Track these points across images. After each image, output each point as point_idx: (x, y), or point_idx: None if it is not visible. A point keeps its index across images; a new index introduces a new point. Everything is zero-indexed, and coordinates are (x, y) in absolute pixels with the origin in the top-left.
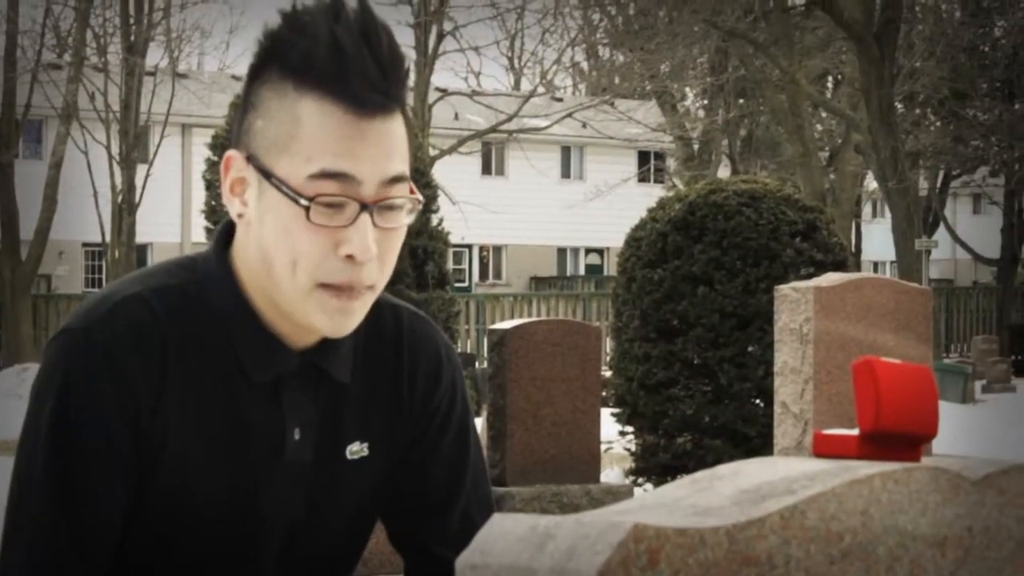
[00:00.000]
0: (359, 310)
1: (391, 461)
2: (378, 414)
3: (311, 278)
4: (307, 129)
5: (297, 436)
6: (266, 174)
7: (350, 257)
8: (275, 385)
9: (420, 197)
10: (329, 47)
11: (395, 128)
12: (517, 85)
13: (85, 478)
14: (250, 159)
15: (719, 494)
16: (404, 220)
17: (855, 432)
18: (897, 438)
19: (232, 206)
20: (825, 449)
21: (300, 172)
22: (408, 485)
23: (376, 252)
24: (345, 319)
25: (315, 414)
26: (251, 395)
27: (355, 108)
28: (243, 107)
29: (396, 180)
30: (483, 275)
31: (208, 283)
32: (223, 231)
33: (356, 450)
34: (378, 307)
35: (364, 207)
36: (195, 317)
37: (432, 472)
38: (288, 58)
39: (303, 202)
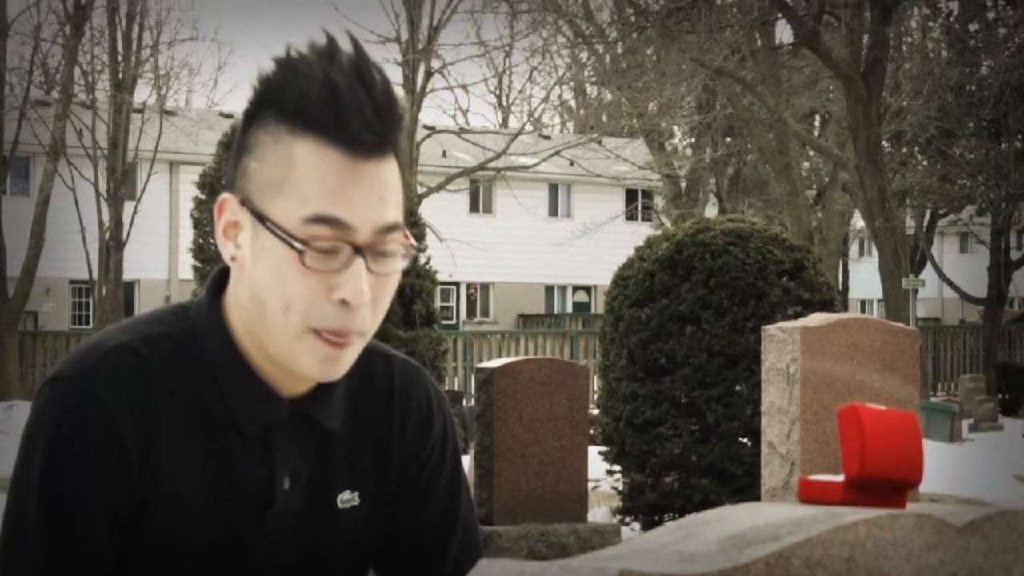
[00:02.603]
0: (349, 357)
1: (381, 510)
2: (368, 463)
3: (303, 322)
4: (302, 171)
5: (287, 485)
6: (260, 217)
7: (344, 302)
8: (265, 434)
9: (415, 243)
10: (324, 88)
11: (390, 171)
12: (505, 123)
13: (76, 529)
14: (244, 202)
15: (705, 540)
16: (398, 266)
17: (840, 478)
18: (882, 484)
19: (225, 249)
20: (811, 495)
21: (294, 215)
22: (399, 534)
23: (369, 296)
24: (335, 365)
25: (305, 463)
26: (241, 444)
27: (350, 150)
28: (237, 151)
29: (391, 228)
30: (471, 313)
31: (200, 331)
32: (216, 278)
33: (347, 499)
34: (370, 355)
35: (358, 251)
36: (186, 365)
37: (423, 521)
38: (283, 102)
39: (297, 246)
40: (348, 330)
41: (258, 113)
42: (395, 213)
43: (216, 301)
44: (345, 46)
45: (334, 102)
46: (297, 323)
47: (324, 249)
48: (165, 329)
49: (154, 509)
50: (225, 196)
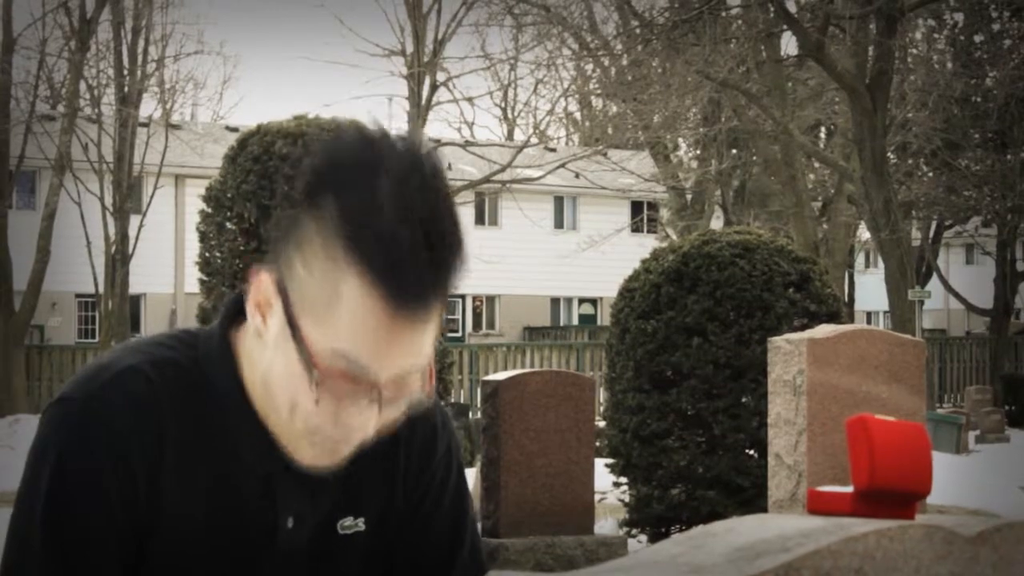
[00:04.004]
0: (349, 452)
1: (387, 533)
2: (373, 488)
3: (306, 429)
4: (345, 311)
5: (290, 524)
6: (292, 326)
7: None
8: (268, 476)
9: (431, 386)
10: (393, 232)
11: (430, 328)
12: (510, 135)
13: (82, 553)
14: (281, 292)
15: (713, 552)
16: (414, 396)
17: (849, 489)
18: (891, 495)
19: (253, 320)
20: (819, 506)
21: (324, 343)
22: (405, 555)
23: (375, 430)
24: (333, 460)
25: (308, 502)
26: (245, 480)
27: (398, 309)
28: (287, 226)
29: (414, 372)
30: (476, 325)
31: (209, 363)
32: (230, 307)
33: (349, 524)
34: None
35: (374, 394)
36: (194, 394)
37: (429, 541)
38: (347, 205)
39: (316, 375)
40: (350, 445)
41: (319, 200)
42: (424, 361)
43: (228, 335)
44: (426, 169)
45: (397, 255)
46: (300, 426)
47: (340, 389)
48: (174, 355)
49: (159, 534)
50: (263, 274)
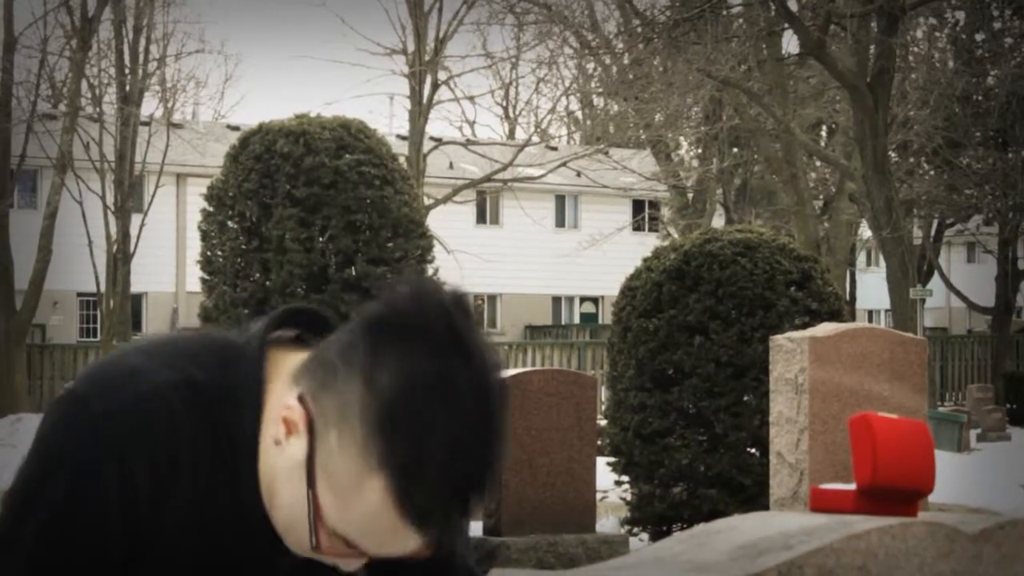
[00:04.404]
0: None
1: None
2: None
3: (286, 529)
4: (361, 508)
5: (287, 567)
6: (310, 480)
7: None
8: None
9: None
10: (433, 458)
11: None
12: (512, 134)
13: (73, 569)
14: (309, 436)
15: (716, 549)
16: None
17: (852, 487)
18: (894, 493)
19: (278, 428)
20: (822, 504)
21: (332, 516)
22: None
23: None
24: (305, 553)
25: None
26: (243, 523)
27: (413, 527)
28: (343, 355)
29: None
30: (478, 324)
31: (236, 398)
32: (276, 322)
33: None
34: None
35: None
36: (216, 431)
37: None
38: (397, 412)
39: (312, 541)
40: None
41: (376, 373)
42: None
43: (263, 367)
44: (484, 407)
45: (430, 487)
46: (294, 545)
47: (333, 548)
48: (206, 378)
49: (148, 562)
50: (301, 400)
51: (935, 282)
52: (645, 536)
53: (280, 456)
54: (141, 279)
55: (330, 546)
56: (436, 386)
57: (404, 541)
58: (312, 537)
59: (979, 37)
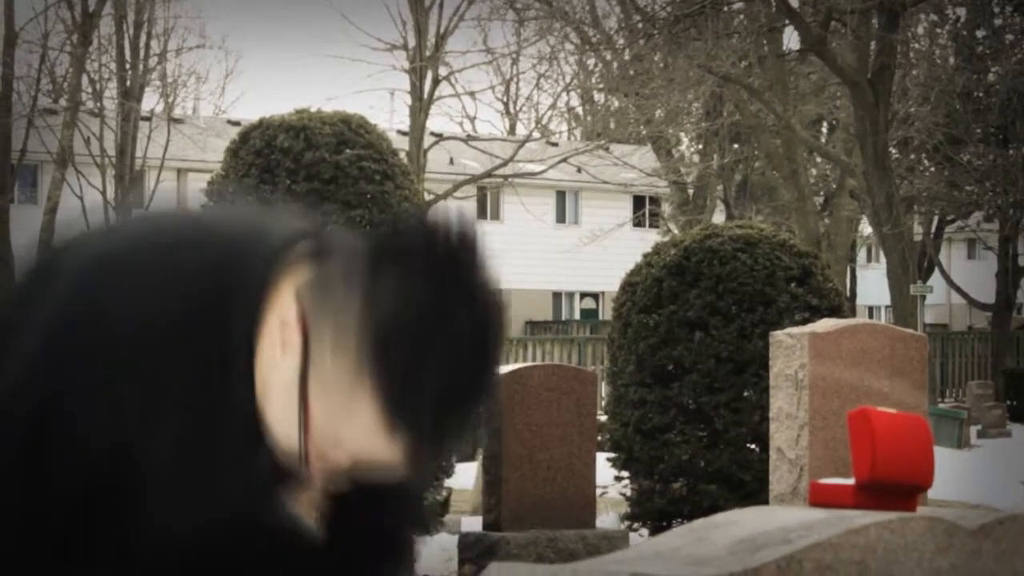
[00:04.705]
0: None
1: None
2: None
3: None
4: (351, 419)
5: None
6: (303, 392)
7: None
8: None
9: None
10: (426, 375)
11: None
12: (512, 130)
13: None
14: (304, 345)
15: (715, 544)
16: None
17: (851, 482)
18: (893, 488)
19: (276, 342)
20: (821, 498)
21: (321, 428)
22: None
23: None
24: None
25: None
26: (236, 437)
27: (401, 435)
28: (346, 270)
29: None
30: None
31: (236, 301)
32: (287, 246)
33: None
34: None
35: None
36: (207, 331)
37: None
38: (398, 326)
39: (302, 449)
40: None
41: (379, 281)
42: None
43: (274, 272)
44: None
45: (425, 398)
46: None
47: None
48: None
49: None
50: (297, 301)
51: (935, 278)
52: (645, 532)
53: (275, 369)
54: None
55: (317, 461)
56: (435, 307)
57: (389, 454)
58: (301, 444)
59: (980, 34)
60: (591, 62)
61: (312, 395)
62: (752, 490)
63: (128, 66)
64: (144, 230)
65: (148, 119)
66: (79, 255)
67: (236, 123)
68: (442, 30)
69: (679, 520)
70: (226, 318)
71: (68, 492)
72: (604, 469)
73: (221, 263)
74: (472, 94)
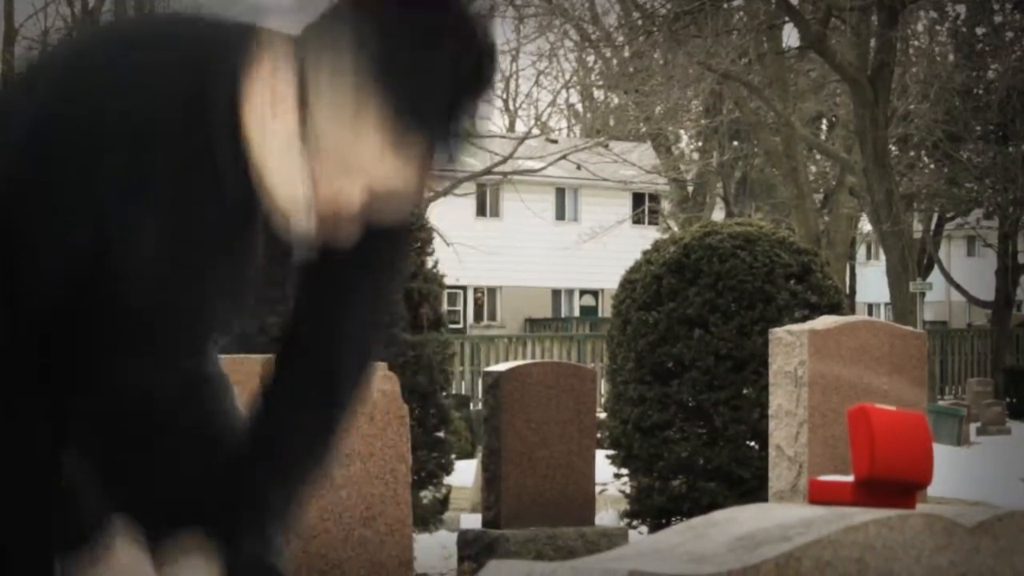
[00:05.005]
0: None
1: None
2: None
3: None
4: (359, 136)
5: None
6: (302, 127)
7: None
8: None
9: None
10: (428, 70)
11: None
12: (512, 127)
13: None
14: (301, 113)
15: (714, 541)
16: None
17: (850, 479)
18: (892, 485)
19: (268, 98)
20: (820, 495)
21: (329, 153)
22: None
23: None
24: None
25: None
26: (219, 196)
27: (415, 135)
28: (326, 27)
29: None
30: (478, 317)
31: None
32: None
33: None
34: None
35: None
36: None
37: None
38: (395, 62)
39: (309, 186)
40: None
41: (376, 11)
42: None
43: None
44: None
45: (429, 94)
46: (287, 202)
47: None
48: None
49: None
50: (284, 62)
51: (935, 276)
52: (644, 529)
53: (270, 137)
54: None
55: (327, 193)
56: (430, 28)
57: (400, 176)
58: (308, 182)
59: (980, 31)
60: (590, 59)
61: (313, 137)
62: (751, 487)
63: None
64: (116, 35)
65: None
66: (57, 63)
67: None
68: None
69: (678, 517)
70: (211, 105)
71: (44, 294)
72: (603, 466)
73: (198, 54)
74: None
